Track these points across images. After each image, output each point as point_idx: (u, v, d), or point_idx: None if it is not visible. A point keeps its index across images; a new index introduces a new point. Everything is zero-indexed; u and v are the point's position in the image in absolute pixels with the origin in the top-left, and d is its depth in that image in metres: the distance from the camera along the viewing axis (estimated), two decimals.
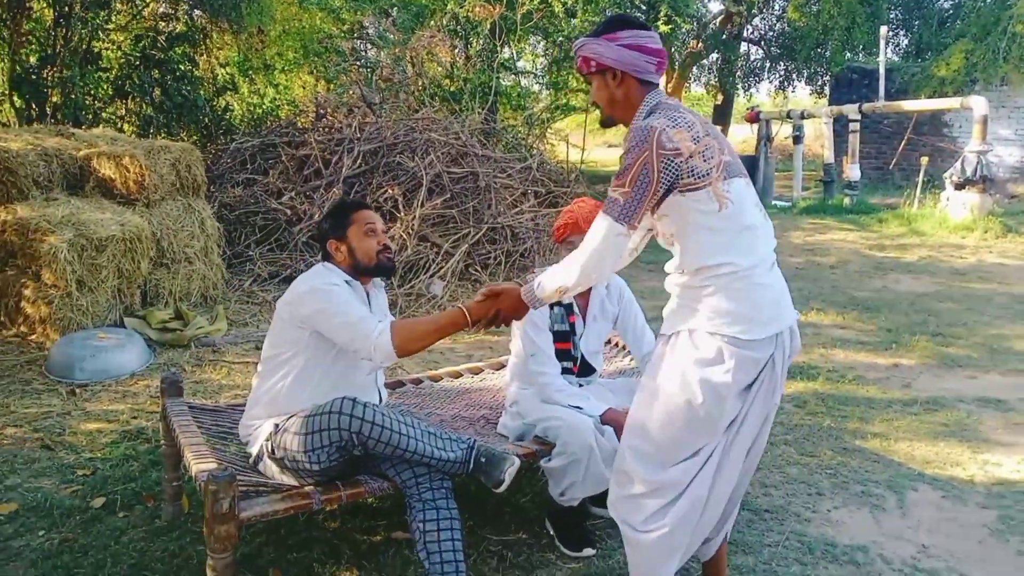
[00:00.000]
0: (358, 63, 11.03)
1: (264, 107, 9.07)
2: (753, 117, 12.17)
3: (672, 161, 1.88)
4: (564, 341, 2.84)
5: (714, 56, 19.01)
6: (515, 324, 2.93)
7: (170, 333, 4.92)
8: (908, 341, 5.49)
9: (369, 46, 11.61)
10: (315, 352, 2.42)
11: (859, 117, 11.01)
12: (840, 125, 12.14)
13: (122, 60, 7.98)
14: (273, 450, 2.39)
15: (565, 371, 2.84)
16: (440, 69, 10.12)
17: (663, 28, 10.59)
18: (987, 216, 9.30)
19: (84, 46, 7.58)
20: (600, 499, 2.78)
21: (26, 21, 7.64)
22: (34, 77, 7.59)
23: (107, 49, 8.10)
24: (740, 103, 23.18)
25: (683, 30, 11.82)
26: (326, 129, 7.52)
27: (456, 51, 10.72)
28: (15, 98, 7.71)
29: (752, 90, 20.21)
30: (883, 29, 11.96)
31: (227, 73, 8.99)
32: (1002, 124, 14.02)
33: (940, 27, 16.28)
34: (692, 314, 2.00)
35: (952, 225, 9.30)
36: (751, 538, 2.86)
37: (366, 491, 2.38)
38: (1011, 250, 8.66)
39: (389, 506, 2.95)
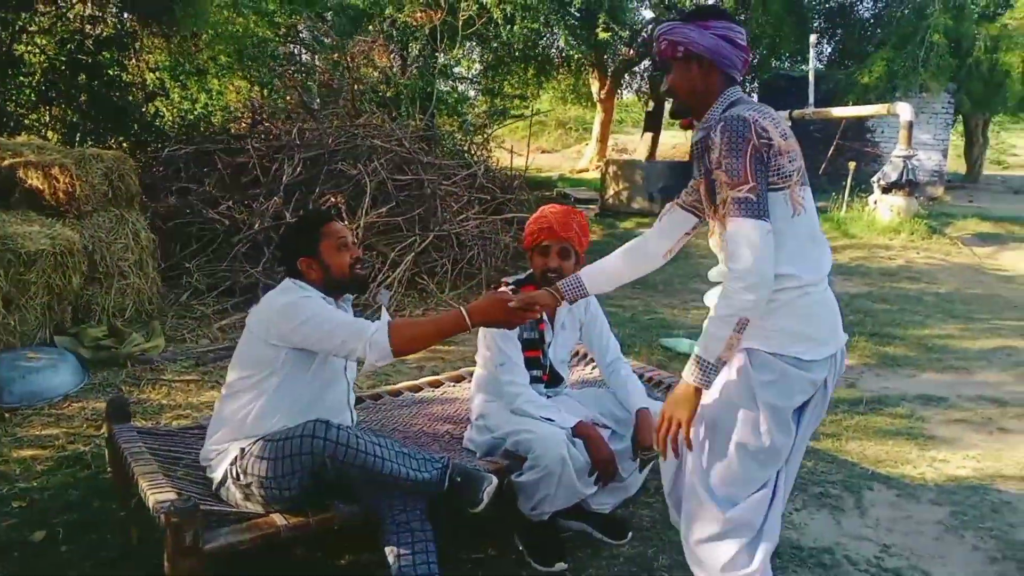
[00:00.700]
0: (292, 68, 10.82)
1: (196, 113, 8.77)
2: (688, 123, 12.33)
3: (767, 154, 1.77)
4: (534, 349, 2.79)
5: (646, 63, 19.32)
6: (481, 333, 2.88)
7: (104, 351, 4.69)
8: (848, 342, 5.62)
9: (304, 51, 11.39)
10: (290, 372, 2.32)
11: (790, 123, 11.27)
12: None
13: (46, 64, 7.61)
14: (238, 476, 2.28)
15: (534, 380, 2.80)
16: (377, 74, 9.99)
17: (602, 35, 10.71)
18: (913, 218, 9.66)
19: (4, 49, 7.20)
20: (568, 512, 2.75)
21: None
22: None
23: (30, 53, 7.72)
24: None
25: (621, 37, 11.91)
26: (264, 136, 7.33)
27: (393, 56, 10.59)
28: None
29: None
30: (812, 38, 12.32)
31: (157, 78, 8.67)
32: (921, 129, 14.58)
33: (862, 36, 16.86)
34: (750, 332, 1.83)
35: (880, 227, 9.63)
36: None
37: (336, 517, 2.29)
38: (936, 251, 9.01)
39: (356, 529, 2.85)
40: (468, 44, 12.49)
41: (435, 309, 6.22)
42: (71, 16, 7.72)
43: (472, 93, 13.69)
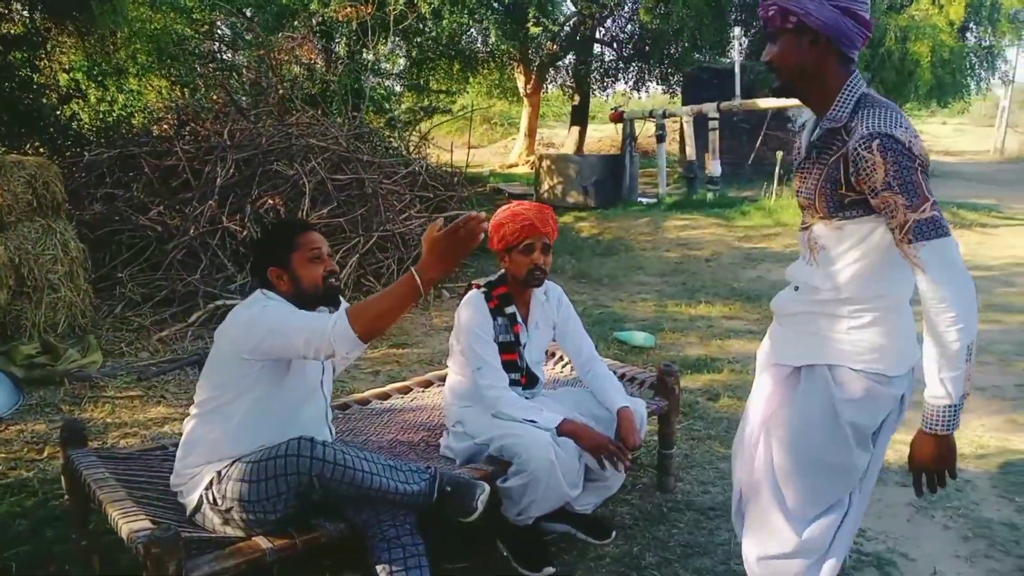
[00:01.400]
0: (212, 66, 10.45)
1: (115, 115, 8.36)
2: (617, 117, 12.49)
3: (926, 169, 1.66)
4: (510, 352, 2.73)
5: (570, 57, 19.45)
6: (454, 338, 2.81)
7: (39, 369, 4.41)
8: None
9: (225, 48, 11.02)
10: (265, 388, 2.20)
11: (717, 115, 11.52)
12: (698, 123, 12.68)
13: None
14: (215, 500, 2.15)
15: (513, 383, 2.73)
16: (302, 71, 9.74)
17: (533, 29, 10.69)
18: None
19: None
20: (551, 514, 2.71)
21: None
22: None
23: None
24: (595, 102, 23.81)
25: (550, 32, 11.93)
26: (192, 137, 7.03)
27: (318, 53, 10.35)
28: None
29: (609, 90, 20.76)
30: (736, 30, 12.59)
31: (71, 79, 8.22)
32: None
33: None
34: (834, 346, 1.77)
35: None
36: (702, 538, 2.87)
37: (323, 536, 2.19)
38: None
39: (338, 545, 2.74)
40: (393, 40, 12.31)
41: None
42: None
43: (398, 89, 13.52)
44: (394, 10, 9.54)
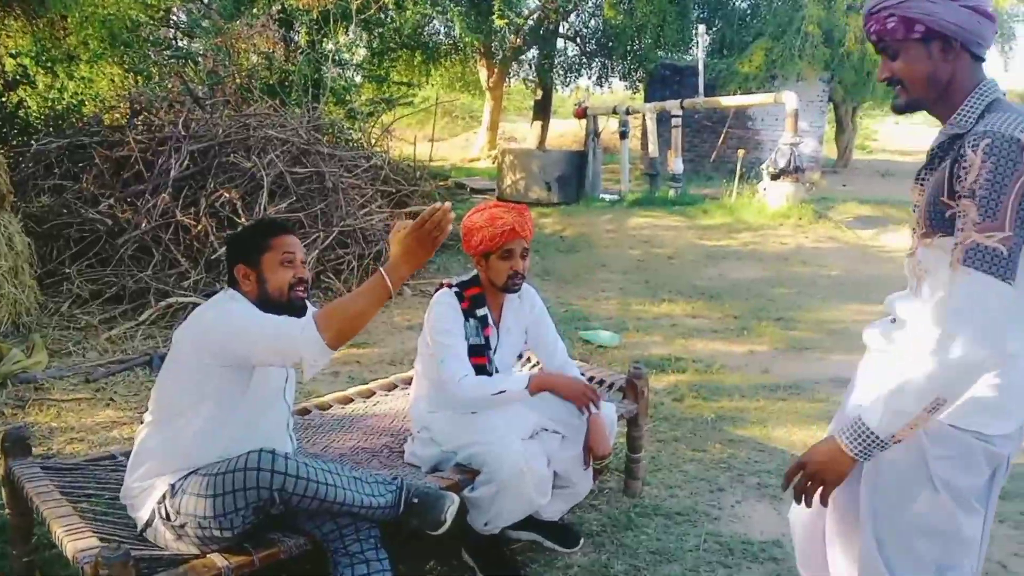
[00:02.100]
0: (167, 53, 10.15)
1: (64, 103, 8.06)
2: (581, 113, 12.45)
3: None
4: (479, 356, 2.64)
5: (533, 52, 19.37)
6: (422, 339, 2.71)
7: None
8: (756, 327, 5.78)
9: (181, 35, 10.72)
10: (225, 395, 2.08)
11: (680, 113, 11.55)
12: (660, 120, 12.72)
13: None
14: (168, 515, 2.04)
15: None
16: (260, 60, 9.51)
17: (499, 22, 10.58)
18: (800, 204, 10.07)
19: None
20: (518, 522, 2.64)
21: None
22: None
23: None
24: (558, 97, 23.78)
25: (514, 25, 11.83)
26: (145, 127, 6.80)
27: (277, 42, 10.12)
28: None
29: (572, 85, 20.76)
30: (700, 28, 12.64)
31: (18, 64, 7.89)
32: (799, 117, 15.28)
33: (741, 26, 17.46)
34: None
35: (770, 213, 9.98)
36: (671, 544, 2.83)
37: (282, 551, 2.09)
38: (823, 234, 9.42)
39: (298, 561, 2.64)
40: (354, 29, 12.10)
41: None
42: None
43: (359, 80, 13.31)
44: (357, 0, 9.35)
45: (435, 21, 14.12)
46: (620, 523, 2.96)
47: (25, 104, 7.83)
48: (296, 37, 11.18)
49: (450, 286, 2.68)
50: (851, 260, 8.30)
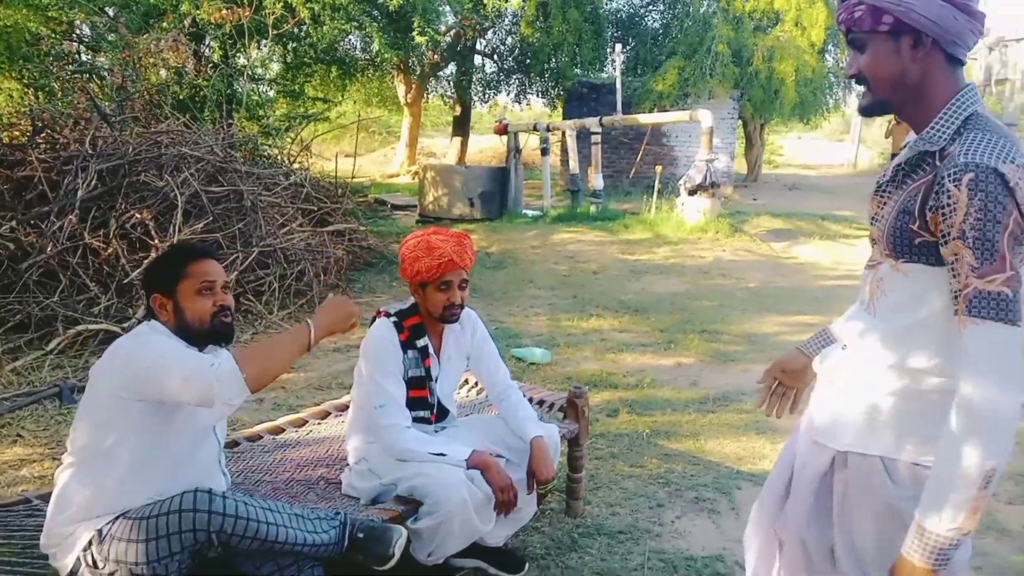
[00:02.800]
0: (70, 68, 9.70)
1: None
2: (502, 129, 12.51)
3: (1021, 232, 1.28)
4: (420, 388, 2.58)
5: (451, 68, 19.40)
6: (358, 370, 2.63)
7: None
8: (681, 340, 5.87)
9: (85, 49, 10.27)
10: (149, 431, 1.95)
11: (600, 130, 11.73)
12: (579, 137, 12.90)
13: None
14: (95, 563, 1.90)
15: (421, 420, 2.58)
16: (170, 75, 9.19)
17: (419, 39, 10.51)
18: (717, 218, 10.34)
19: None
20: (461, 550, 2.58)
21: None
22: None
23: None
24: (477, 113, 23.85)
25: (434, 41, 11.80)
26: (49, 145, 6.45)
27: (188, 56, 9.80)
28: None
29: (491, 102, 20.85)
30: (617, 47, 12.90)
31: None
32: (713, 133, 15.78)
33: (654, 45, 17.91)
34: (887, 432, 1.42)
35: (688, 228, 10.21)
36: (616, 564, 2.81)
37: None
38: (740, 247, 9.69)
39: None
40: (268, 44, 11.85)
41: (265, 332, 5.77)
42: None
43: (272, 94, 13.03)
44: (272, 14, 9.14)
45: (351, 36, 13.96)
46: (564, 545, 2.93)
47: None
48: (207, 51, 10.87)
49: (387, 315, 2.60)
50: (767, 272, 8.56)
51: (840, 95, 17.66)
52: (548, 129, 12.52)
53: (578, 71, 17.03)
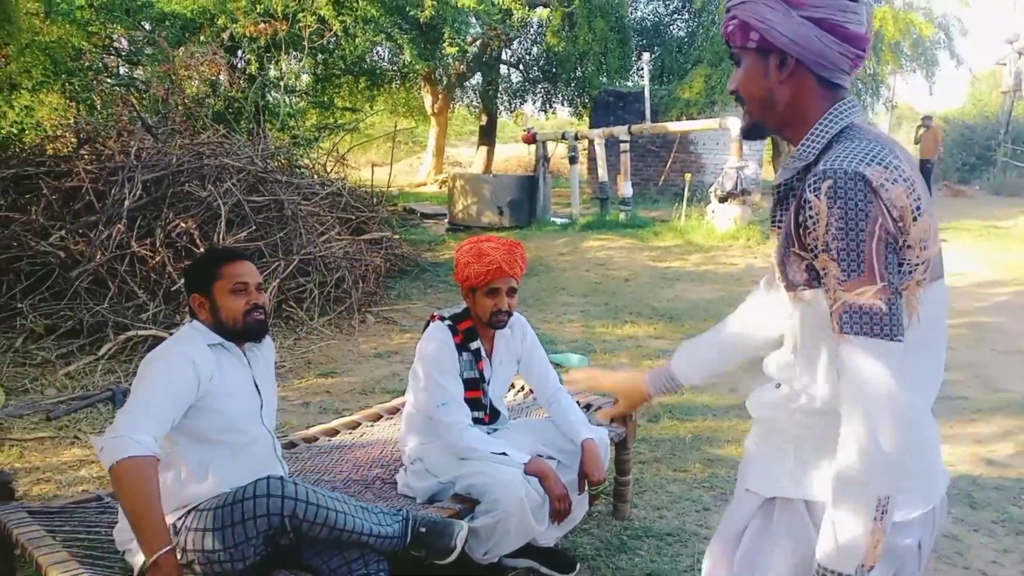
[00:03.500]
0: (110, 81, 9.93)
1: (4, 132, 7.80)
2: (530, 138, 12.60)
3: (895, 239, 1.17)
4: (474, 389, 2.65)
5: (477, 78, 19.56)
6: (415, 370, 2.70)
7: None
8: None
9: (122, 63, 10.51)
10: (193, 430, 2.06)
11: (628, 138, 11.77)
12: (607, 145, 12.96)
13: None
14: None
15: (476, 421, 2.65)
16: (205, 87, 9.38)
17: (449, 49, 10.65)
18: (748, 225, 10.34)
19: None
20: (514, 550, 2.64)
21: None
22: None
23: None
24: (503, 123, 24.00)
25: (464, 51, 11.94)
26: (94, 157, 6.63)
27: (226, 69, 10.01)
28: None
29: (516, 111, 20.98)
30: (645, 56, 12.94)
31: None
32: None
33: (679, 53, 17.93)
34: (812, 474, 1.29)
35: (719, 235, 10.22)
36: (666, 565, 2.86)
37: None
38: (772, 255, 9.67)
39: None
40: (298, 56, 12.06)
41: (306, 338, 5.88)
42: None
43: (302, 105, 13.24)
44: (308, 28, 9.31)
45: (380, 47, 14.15)
46: (613, 546, 2.98)
47: None
48: (241, 64, 11.08)
49: (442, 319, 2.67)
50: None
51: (867, 101, 17.56)
52: (576, 137, 12.59)
53: (604, 80, 17.09)
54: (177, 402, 1.99)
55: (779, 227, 1.33)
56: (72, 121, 7.35)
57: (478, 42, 17.52)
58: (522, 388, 3.58)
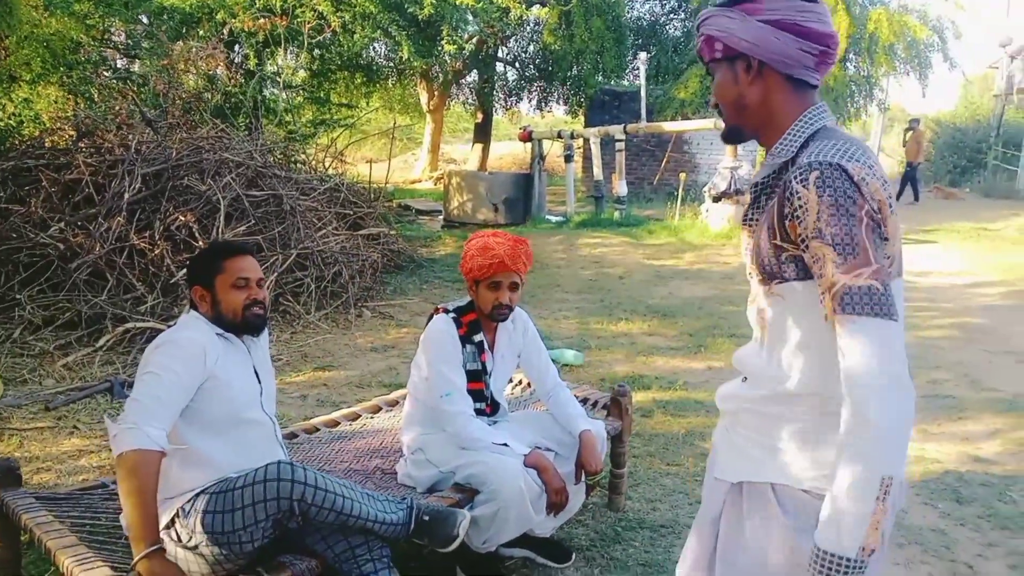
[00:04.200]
0: (108, 74, 9.93)
1: (2, 124, 7.81)
2: (526, 136, 12.65)
3: (879, 227, 1.23)
4: (476, 381, 2.70)
5: (473, 75, 19.56)
6: (417, 361, 2.75)
7: None
8: (711, 344, 5.96)
9: (120, 56, 10.51)
10: (192, 416, 2.09)
11: (624, 137, 11.83)
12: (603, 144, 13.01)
13: None
14: (180, 537, 2.03)
15: (478, 412, 2.71)
16: (203, 82, 9.39)
17: (447, 47, 10.68)
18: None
19: None
20: (511, 540, 2.69)
21: None
22: None
23: None
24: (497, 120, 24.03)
25: (462, 49, 11.96)
26: (94, 150, 6.65)
27: (224, 63, 10.02)
28: None
29: (511, 109, 21.00)
30: (642, 55, 12.99)
31: None
32: None
33: (675, 52, 17.99)
34: (777, 458, 1.35)
35: (713, 234, 10.30)
36: (660, 556, 2.92)
37: (293, 574, 2.09)
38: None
39: None
40: (295, 51, 12.07)
41: (302, 332, 5.92)
42: None
43: (299, 101, 13.24)
44: (308, 23, 9.33)
45: (377, 43, 14.15)
46: (608, 537, 3.04)
47: None
48: (239, 59, 11.09)
49: (446, 311, 2.72)
50: None
51: (861, 103, 17.64)
52: (572, 136, 12.64)
53: (600, 79, 17.13)
54: (186, 389, 2.04)
55: (751, 225, 1.41)
56: (71, 114, 7.35)
57: (475, 40, 17.57)
58: (520, 381, 3.63)
